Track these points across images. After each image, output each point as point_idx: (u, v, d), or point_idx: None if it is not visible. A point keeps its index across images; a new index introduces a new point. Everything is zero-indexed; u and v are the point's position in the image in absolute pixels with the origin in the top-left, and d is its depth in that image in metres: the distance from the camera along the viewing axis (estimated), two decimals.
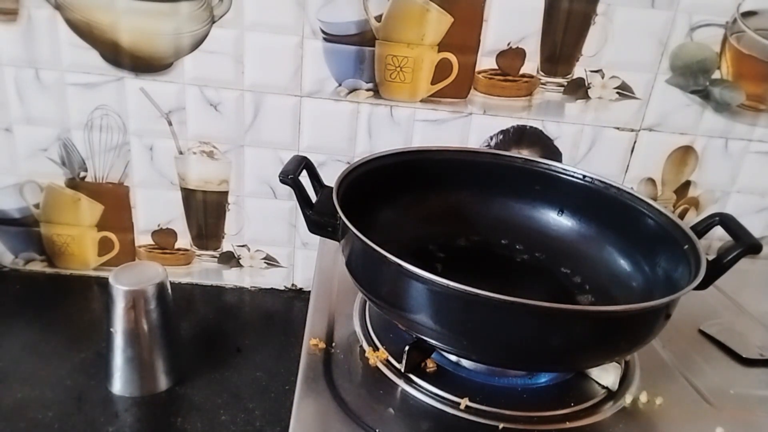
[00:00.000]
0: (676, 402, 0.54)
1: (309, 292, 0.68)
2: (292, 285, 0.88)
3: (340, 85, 0.74)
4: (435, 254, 0.66)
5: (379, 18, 0.71)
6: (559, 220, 0.69)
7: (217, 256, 0.85)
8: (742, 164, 0.80)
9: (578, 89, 0.75)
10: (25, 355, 0.69)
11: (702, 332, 0.66)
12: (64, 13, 0.70)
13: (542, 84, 0.75)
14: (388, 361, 0.55)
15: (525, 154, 0.77)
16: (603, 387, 0.55)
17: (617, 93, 0.76)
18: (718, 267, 0.53)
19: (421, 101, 0.75)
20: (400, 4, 0.70)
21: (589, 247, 0.66)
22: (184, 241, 0.84)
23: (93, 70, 0.73)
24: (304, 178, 0.60)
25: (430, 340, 0.49)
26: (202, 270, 0.86)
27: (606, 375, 0.55)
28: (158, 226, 0.82)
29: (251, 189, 0.80)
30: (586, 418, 0.51)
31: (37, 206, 0.80)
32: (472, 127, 0.77)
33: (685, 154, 0.80)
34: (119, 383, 0.65)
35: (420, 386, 0.52)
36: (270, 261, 0.85)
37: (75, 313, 0.78)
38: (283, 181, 0.57)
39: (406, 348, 0.53)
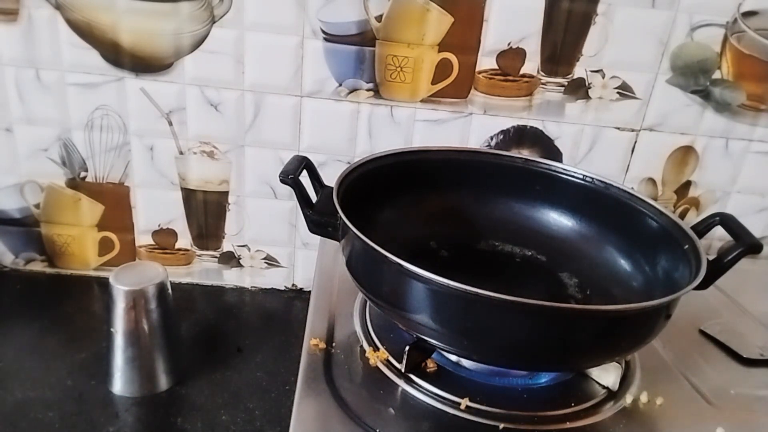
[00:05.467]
0: (677, 402, 0.54)
1: (309, 292, 0.68)
2: (293, 285, 0.88)
3: (340, 85, 0.74)
4: (435, 254, 0.66)
5: (379, 18, 0.71)
6: (559, 220, 0.68)
7: (218, 256, 0.85)
8: (742, 164, 0.80)
9: (579, 89, 0.75)
10: (26, 355, 0.69)
11: (702, 332, 0.66)
12: (65, 13, 0.70)
13: (543, 84, 0.75)
14: (388, 361, 0.55)
15: (525, 154, 0.77)
16: (603, 387, 0.55)
17: (618, 93, 0.75)
18: (719, 267, 0.53)
19: (422, 101, 0.75)
20: (400, 4, 0.70)
21: (589, 247, 0.66)
22: (184, 241, 0.84)
23: (93, 70, 0.73)
24: (305, 178, 0.60)
25: (431, 339, 0.49)
26: (202, 270, 0.86)
27: (606, 375, 0.55)
28: (159, 226, 0.82)
29: (252, 189, 0.80)
30: (586, 418, 0.51)
31: (37, 206, 0.80)
32: (472, 127, 0.77)
33: (685, 154, 0.80)
34: (120, 383, 0.65)
35: (420, 386, 0.52)
36: (270, 261, 0.85)
37: (75, 313, 0.78)
38: (283, 181, 0.57)
39: (407, 348, 0.52)
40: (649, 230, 0.60)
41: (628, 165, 0.80)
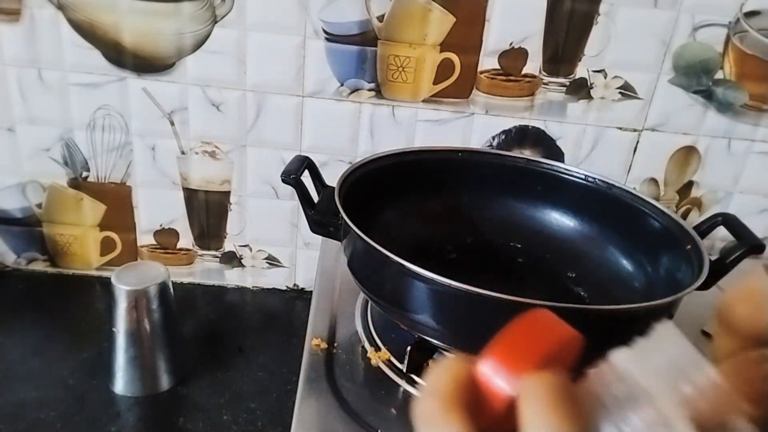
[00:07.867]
0: None
1: (311, 292, 0.68)
2: (294, 285, 0.88)
3: (342, 85, 0.74)
4: (436, 254, 0.66)
5: (381, 18, 0.71)
6: (561, 221, 0.68)
7: (219, 256, 0.85)
8: (745, 164, 0.80)
9: (580, 89, 0.75)
10: (28, 355, 0.69)
11: (705, 333, 0.66)
12: (67, 13, 0.70)
13: (544, 84, 0.75)
14: (390, 361, 0.55)
15: (527, 154, 0.77)
16: None
17: (620, 93, 0.75)
18: (721, 267, 0.53)
19: (423, 101, 0.75)
20: (402, 3, 0.70)
21: (591, 247, 0.66)
22: (186, 241, 0.84)
23: (95, 70, 0.73)
24: (306, 178, 0.60)
25: (433, 340, 0.49)
26: (204, 270, 0.86)
27: None
28: (160, 225, 0.82)
29: (253, 189, 0.80)
30: None
31: (39, 206, 0.80)
32: (474, 128, 0.77)
33: (687, 154, 0.79)
34: (121, 383, 0.65)
35: (422, 386, 0.52)
36: (272, 261, 0.85)
37: (77, 313, 0.78)
38: (285, 181, 0.57)
39: (408, 348, 0.53)
40: (652, 230, 0.60)
41: (630, 165, 0.80)
